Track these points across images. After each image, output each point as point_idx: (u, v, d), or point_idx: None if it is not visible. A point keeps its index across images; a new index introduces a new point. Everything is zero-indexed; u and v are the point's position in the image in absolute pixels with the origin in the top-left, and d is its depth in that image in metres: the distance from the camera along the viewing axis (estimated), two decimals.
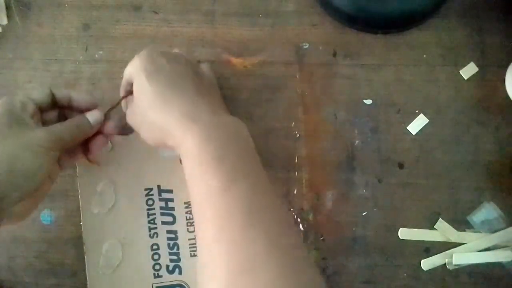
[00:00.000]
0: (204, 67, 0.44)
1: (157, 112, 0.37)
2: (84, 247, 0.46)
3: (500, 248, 0.45)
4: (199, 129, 0.35)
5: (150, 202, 0.46)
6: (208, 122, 0.36)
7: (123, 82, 0.42)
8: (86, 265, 0.45)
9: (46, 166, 0.38)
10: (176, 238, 0.46)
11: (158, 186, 0.46)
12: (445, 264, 0.46)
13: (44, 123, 0.40)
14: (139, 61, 0.39)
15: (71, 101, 0.42)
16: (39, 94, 0.40)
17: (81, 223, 0.46)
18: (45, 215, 0.47)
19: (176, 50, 0.44)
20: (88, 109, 0.42)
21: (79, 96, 0.43)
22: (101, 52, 0.49)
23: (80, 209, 0.46)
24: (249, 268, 0.29)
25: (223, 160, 0.33)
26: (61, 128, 0.39)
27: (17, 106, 0.38)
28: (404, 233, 0.46)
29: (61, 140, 0.39)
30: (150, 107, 0.37)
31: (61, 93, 0.42)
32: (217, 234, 0.31)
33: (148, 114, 0.38)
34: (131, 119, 0.41)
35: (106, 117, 0.42)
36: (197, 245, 0.45)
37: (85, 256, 0.45)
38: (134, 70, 0.39)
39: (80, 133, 0.41)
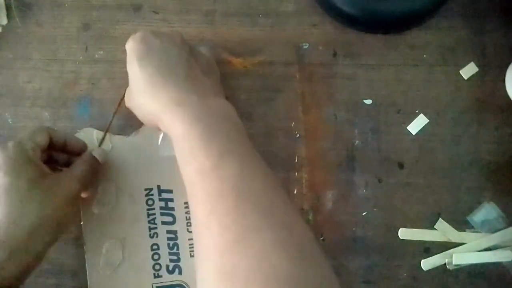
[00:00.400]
0: (203, 49, 0.44)
1: (147, 97, 0.37)
2: (84, 247, 0.46)
3: (500, 248, 0.45)
4: (185, 112, 0.35)
5: (150, 202, 0.46)
6: (195, 105, 0.36)
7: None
8: (87, 265, 0.45)
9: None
10: (176, 238, 0.46)
11: (158, 186, 0.46)
12: (445, 264, 0.46)
13: None
14: (132, 43, 0.39)
15: (65, 144, 0.43)
16: (42, 137, 0.40)
17: (81, 223, 0.46)
18: None
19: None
20: (81, 151, 0.44)
21: (73, 140, 0.44)
22: (101, 52, 0.49)
23: (80, 209, 0.46)
24: (243, 237, 0.30)
25: (211, 139, 0.34)
26: (82, 173, 0.41)
27: (31, 154, 0.38)
28: (404, 233, 0.46)
29: (85, 184, 0.41)
30: (140, 92, 0.38)
31: (58, 136, 0.42)
32: (210, 209, 0.32)
33: (140, 99, 0.38)
34: (128, 102, 0.42)
35: (115, 114, 0.44)
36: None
37: (85, 256, 0.45)
38: (128, 52, 0.39)
39: (94, 173, 0.42)
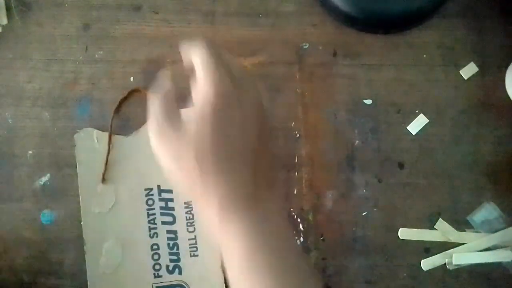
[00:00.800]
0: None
1: (203, 173, 0.29)
2: (84, 247, 0.46)
3: (500, 248, 0.45)
4: (241, 225, 0.29)
5: (150, 202, 0.46)
6: (255, 219, 0.30)
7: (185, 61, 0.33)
8: (87, 265, 0.45)
9: None
10: (176, 238, 0.46)
11: (158, 186, 0.46)
12: (445, 264, 0.46)
13: None
14: (213, 87, 0.29)
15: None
16: None
17: (81, 223, 0.46)
18: (45, 215, 0.47)
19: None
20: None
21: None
22: (101, 52, 0.49)
23: (80, 209, 0.46)
24: None
25: (260, 273, 0.29)
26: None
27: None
28: (404, 233, 0.46)
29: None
30: (199, 160, 0.29)
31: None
32: None
33: (194, 166, 0.29)
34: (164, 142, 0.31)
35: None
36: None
37: (85, 256, 0.45)
38: (200, 96, 0.30)
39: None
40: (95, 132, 0.47)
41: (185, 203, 0.46)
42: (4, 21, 0.49)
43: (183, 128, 0.30)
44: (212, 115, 0.29)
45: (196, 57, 0.31)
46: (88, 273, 0.45)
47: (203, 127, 0.29)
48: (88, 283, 0.45)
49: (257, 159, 0.31)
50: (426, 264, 0.46)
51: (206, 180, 0.29)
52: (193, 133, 0.29)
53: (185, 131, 0.30)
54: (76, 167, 0.46)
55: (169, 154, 0.30)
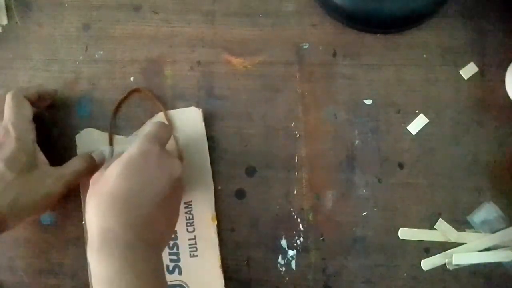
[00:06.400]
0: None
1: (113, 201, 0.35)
2: (85, 247, 0.46)
3: (500, 248, 0.45)
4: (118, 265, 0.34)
5: None
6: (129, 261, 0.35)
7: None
8: (88, 265, 0.45)
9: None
10: (175, 238, 0.46)
11: None
12: (445, 264, 0.46)
13: None
14: (157, 134, 0.39)
15: (39, 97, 0.45)
16: (29, 110, 0.42)
17: (82, 223, 0.46)
18: (45, 215, 0.47)
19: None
20: (53, 98, 0.46)
21: (43, 90, 0.45)
22: (101, 52, 0.49)
23: (82, 209, 0.46)
24: None
25: None
26: (71, 176, 0.42)
27: (32, 146, 0.41)
28: (404, 233, 0.46)
29: (71, 187, 0.43)
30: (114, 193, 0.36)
31: (33, 94, 0.44)
32: None
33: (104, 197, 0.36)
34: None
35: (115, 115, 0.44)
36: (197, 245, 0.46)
37: (87, 256, 0.45)
38: (133, 149, 0.38)
39: (87, 174, 0.43)
40: (96, 132, 0.47)
41: (184, 203, 0.46)
42: (4, 21, 0.49)
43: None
44: (129, 162, 0.37)
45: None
46: (88, 273, 0.45)
47: (118, 167, 0.36)
48: (90, 283, 0.45)
49: (156, 216, 0.37)
50: (426, 264, 0.46)
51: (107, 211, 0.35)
52: (113, 171, 0.37)
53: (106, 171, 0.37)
54: None
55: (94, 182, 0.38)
